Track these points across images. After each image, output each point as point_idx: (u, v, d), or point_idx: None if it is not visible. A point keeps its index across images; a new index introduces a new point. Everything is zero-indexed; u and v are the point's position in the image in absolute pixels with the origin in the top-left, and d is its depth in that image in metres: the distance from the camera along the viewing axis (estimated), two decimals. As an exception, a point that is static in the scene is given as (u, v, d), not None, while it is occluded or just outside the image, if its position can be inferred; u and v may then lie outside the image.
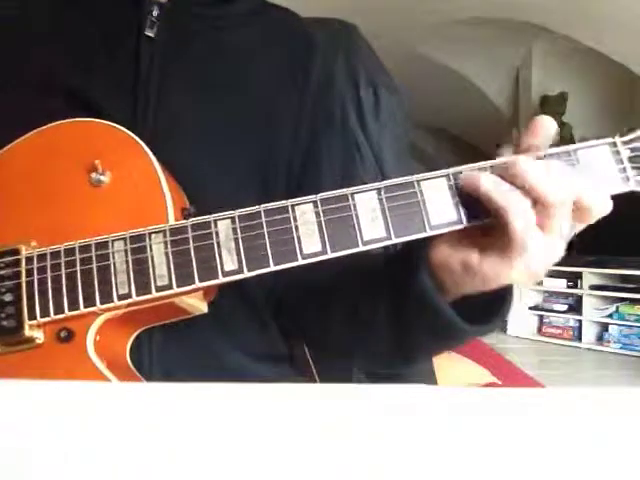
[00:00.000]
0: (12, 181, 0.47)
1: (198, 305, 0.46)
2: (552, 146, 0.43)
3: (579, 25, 3.57)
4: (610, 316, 3.74)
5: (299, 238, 0.41)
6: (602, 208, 0.41)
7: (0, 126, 0.49)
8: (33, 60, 0.54)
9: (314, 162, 0.60)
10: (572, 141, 4.14)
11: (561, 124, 4.21)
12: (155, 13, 0.55)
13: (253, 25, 0.61)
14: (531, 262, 0.40)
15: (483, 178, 0.40)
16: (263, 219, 0.41)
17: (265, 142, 0.57)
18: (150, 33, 0.54)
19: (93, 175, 0.45)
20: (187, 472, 0.18)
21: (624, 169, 0.42)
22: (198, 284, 0.41)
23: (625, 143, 0.43)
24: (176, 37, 0.56)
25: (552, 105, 4.23)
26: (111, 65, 0.54)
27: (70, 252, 0.43)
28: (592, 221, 0.41)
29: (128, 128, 0.47)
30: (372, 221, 0.41)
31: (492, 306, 0.46)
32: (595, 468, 0.19)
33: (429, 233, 0.41)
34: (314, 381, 0.61)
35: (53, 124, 0.48)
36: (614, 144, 0.42)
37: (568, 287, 3.93)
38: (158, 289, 0.41)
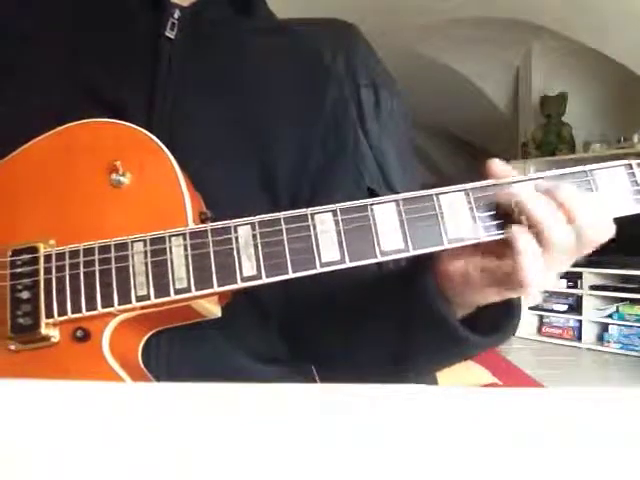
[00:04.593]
0: (32, 179, 0.47)
1: (213, 309, 0.46)
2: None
3: (579, 25, 3.56)
4: (610, 316, 3.73)
5: (318, 246, 0.41)
6: (603, 236, 0.43)
7: (20, 124, 0.49)
8: (53, 60, 0.54)
9: (326, 186, 0.60)
10: (572, 141, 4.10)
11: (561, 124, 4.21)
12: (176, 16, 0.55)
13: (269, 37, 0.62)
14: (533, 280, 0.41)
15: (525, 191, 0.42)
16: (283, 226, 0.42)
17: (272, 148, 0.57)
18: (170, 35, 0.55)
19: (113, 176, 0.45)
20: (188, 472, 0.18)
21: (639, 191, 0.43)
22: (216, 288, 0.41)
23: None
24: (195, 39, 0.56)
25: (552, 105, 4.22)
26: (130, 65, 0.55)
27: (89, 252, 0.43)
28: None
29: (145, 128, 0.47)
30: (390, 232, 0.41)
31: (499, 320, 0.47)
32: (595, 468, 0.19)
33: (446, 246, 0.42)
34: (314, 381, 0.62)
35: (74, 123, 0.48)
36: (630, 166, 0.44)
37: (568, 287, 3.93)
38: (177, 292, 0.41)
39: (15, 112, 0.51)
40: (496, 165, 0.44)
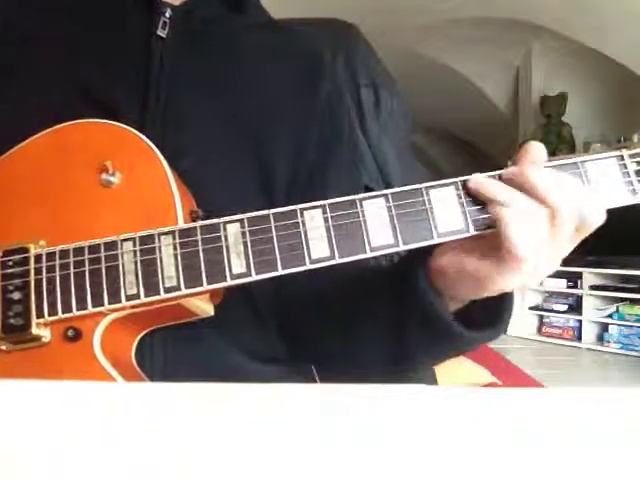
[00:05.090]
0: (25, 178, 0.48)
1: (205, 307, 0.46)
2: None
3: (579, 25, 3.56)
4: (610, 316, 3.73)
5: (307, 243, 0.41)
6: (599, 218, 0.42)
7: (20, 123, 0.49)
8: (53, 60, 0.55)
9: (322, 176, 0.60)
10: (572, 141, 4.11)
11: (561, 124, 4.21)
12: (167, 14, 0.56)
13: (263, 35, 0.62)
14: (531, 270, 0.41)
15: (491, 182, 0.42)
16: (272, 223, 0.41)
17: (267, 147, 0.58)
18: (161, 33, 0.55)
19: (103, 176, 0.45)
20: (186, 472, 0.18)
21: (631, 182, 0.43)
22: (206, 286, 0.41)
23: (632, 157, 0.44)
24: (187, 38, 0.57)
25: (552, 105, 4.22)
26: (124, 64, 0.55)
27: (79, 252, 0.43)
28: (587, 232, 0.42)
29: (137, 127, 0.47)
30: (380, 228, 0.41)
31: (492, 313, 0.47)
32: (595, 468, 0.19)
33: (436, 240, 0.41)
34: (314, 381, 0.61)
35: (65, 124, 0.48)
36: (621, 157, 0.44)
37: (568, 287, 3.93)
38: (166, 290, 0.41)
39: (15, 111, 0.52)
40: (534, 149, 0.43)
